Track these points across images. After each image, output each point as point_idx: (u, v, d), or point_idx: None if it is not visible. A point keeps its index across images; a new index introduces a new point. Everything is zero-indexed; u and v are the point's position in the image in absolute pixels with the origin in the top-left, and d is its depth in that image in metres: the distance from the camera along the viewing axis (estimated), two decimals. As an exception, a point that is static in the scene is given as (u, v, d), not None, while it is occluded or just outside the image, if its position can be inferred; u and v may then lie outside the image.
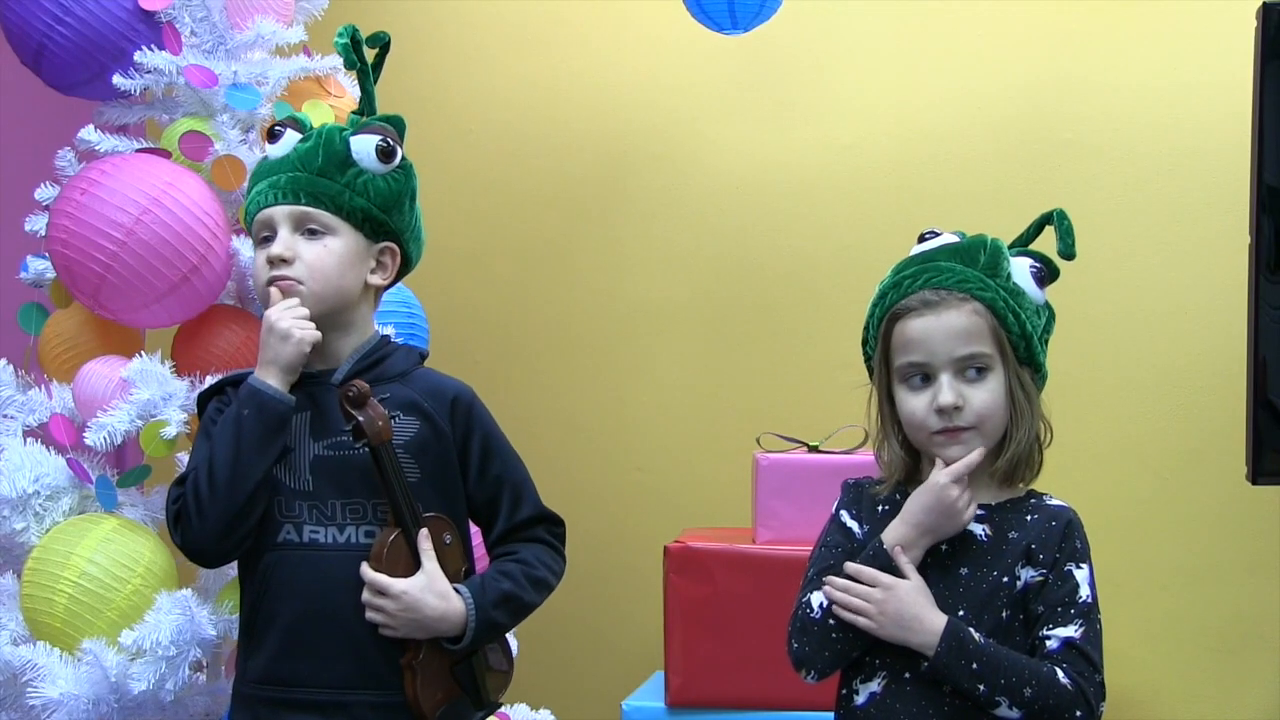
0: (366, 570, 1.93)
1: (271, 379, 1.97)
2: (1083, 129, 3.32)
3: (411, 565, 1.96)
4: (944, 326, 1.83)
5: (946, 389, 1.83)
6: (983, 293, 1.85)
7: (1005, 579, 1.83)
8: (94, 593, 2.42)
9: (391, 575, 1.93)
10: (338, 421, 1.97)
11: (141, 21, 2.64)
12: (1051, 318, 1.94)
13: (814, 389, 3.32)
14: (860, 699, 1.86)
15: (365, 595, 1.93)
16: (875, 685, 1.85)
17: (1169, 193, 3.28)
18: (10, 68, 2.78)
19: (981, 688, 1.76)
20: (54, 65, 2.66)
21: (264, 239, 2.05)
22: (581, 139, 3.56)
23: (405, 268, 2.16)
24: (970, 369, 1.84)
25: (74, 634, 2.42)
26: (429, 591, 1.94)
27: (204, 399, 2.11)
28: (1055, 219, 1.94)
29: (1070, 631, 1.80)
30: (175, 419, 2.48)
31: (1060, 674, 1.78)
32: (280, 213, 2.02)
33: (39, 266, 2.72)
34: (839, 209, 3.42)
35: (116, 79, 2.61)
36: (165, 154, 2.63)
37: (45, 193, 2.70)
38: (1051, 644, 1.79)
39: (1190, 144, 3.26)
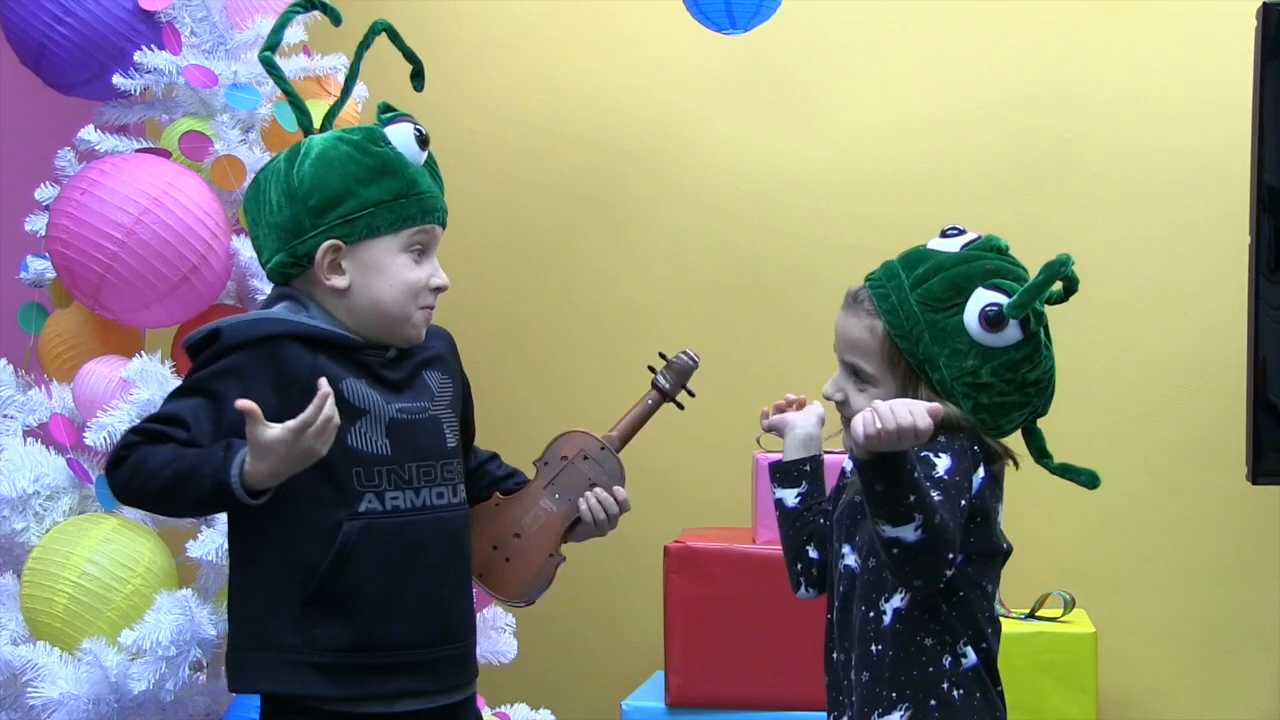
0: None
1: (263, 480, 1.83)
2: (1083, 128, 3.32)
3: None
4: (843, 329, 1.88)
5: (832, 380, 1.90)
6: (890, 314, 1.82)
7: None
8: (94, 593, 2.42)
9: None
10: (400, 386, 1.99)
11: (141, 21, 2.64)
12: (999, 362, 1.78)
13: (814, 389, 3.30)
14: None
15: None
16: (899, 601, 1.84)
17: (1169, 193, 3.28)
18: (10, 68, 2.78)
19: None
20: (54, 65, 2.66)
21: (417, 252, 1.98)
22: (581, 138, 3.56)
23: None
24: (859, 373, 1.87)
25: (74, 634, 2.42)
26: None
27: (200, 346, 1.96)
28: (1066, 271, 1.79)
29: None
30: (175, 419, 2.48)
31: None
32: (439, 235, 2.02)
33: (39, 266, 2.72)
34: (839, 208, 3.42)
35: (116, 79, 2.61)
36: (165, 154, 2.63)
37: (45, 193, 2.70)
38: None
39: (1190, 144, 3.26)
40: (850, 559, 1.88)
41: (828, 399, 1.90)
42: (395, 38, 2.12)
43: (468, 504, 2.07)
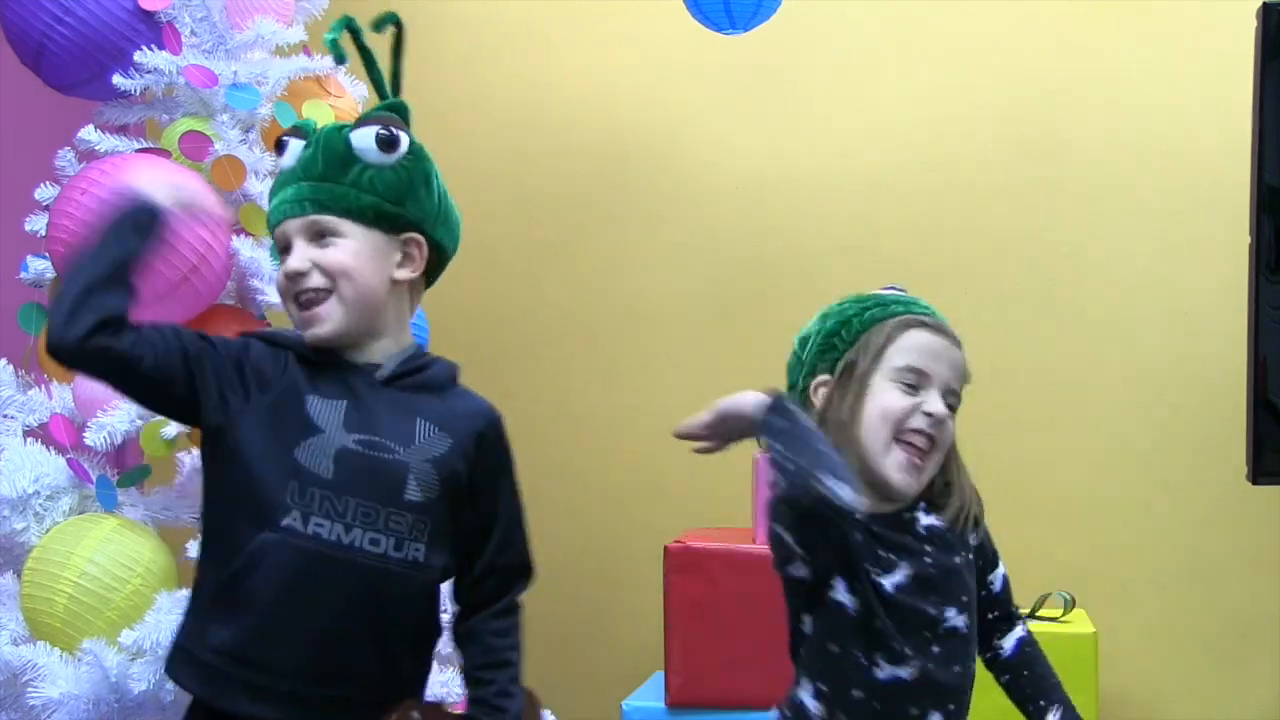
0: None
1: None
2: (1083, 129, 3.32)
3: None
4: (951, 356, 1.93)
5: (940, 400, 1.90)
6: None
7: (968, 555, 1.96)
8: (94, 593, 2.42)
9: None
10: (374, 419, 1.95)
11: (141, 21, 2.64)
12: None
13: (814, 389, 3.32)
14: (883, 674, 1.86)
15: None
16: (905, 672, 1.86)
17: (1169, 193, 3.28)
18: (10, 68, 2.78)
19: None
20: (54, 65, 2.66)
21: (282, 250, 2.01)
22: (582, 138, 3.56)
23: (441, 256, 2.09)
24: (951, 403, 1.92)
25: (74, 634, 2.42)
26: None
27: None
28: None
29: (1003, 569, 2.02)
30: (175, 419, 2.48)
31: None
32: (293, 226, 1.98)
33: (39, 266, 2.72)
34: (840, 208, 3.42)
35: (116, 79, 2.61)
36: (165, 154, 2.63)
37: (45, 193, 2.70)
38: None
39: (1190, 144, 3.26)
40: (958, 620, 1.90)
41: (931, 416, 1.89)
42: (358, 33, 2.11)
43: (436, 570, 1.98)
